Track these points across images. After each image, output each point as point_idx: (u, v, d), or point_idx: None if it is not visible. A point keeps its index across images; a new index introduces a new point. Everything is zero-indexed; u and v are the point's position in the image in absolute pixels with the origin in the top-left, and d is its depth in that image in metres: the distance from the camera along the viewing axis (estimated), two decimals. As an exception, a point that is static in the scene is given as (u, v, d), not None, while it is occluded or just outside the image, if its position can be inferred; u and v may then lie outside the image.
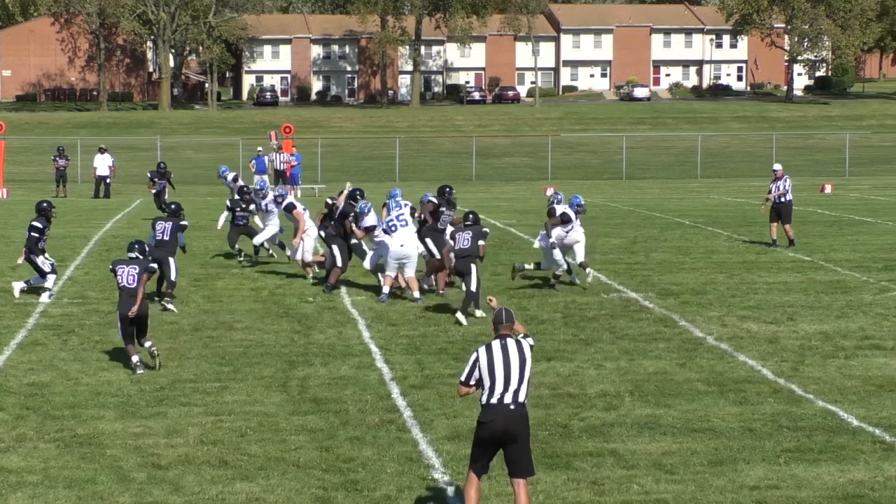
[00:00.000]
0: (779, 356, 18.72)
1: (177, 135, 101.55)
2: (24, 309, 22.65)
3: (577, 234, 24.75)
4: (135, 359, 17.88)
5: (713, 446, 14.04)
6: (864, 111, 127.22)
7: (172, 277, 23.19)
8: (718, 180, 67.92)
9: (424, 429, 14.71)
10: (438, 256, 23.81)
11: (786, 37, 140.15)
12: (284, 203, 26.28)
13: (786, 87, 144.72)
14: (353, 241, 24.74)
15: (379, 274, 24.51)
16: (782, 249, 30.95)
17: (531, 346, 11.37)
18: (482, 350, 11.21)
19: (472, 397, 11.87)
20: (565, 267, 24.81)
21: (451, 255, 22.39)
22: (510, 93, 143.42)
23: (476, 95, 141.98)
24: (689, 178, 70.44)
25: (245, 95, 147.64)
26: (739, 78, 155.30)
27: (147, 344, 18.11)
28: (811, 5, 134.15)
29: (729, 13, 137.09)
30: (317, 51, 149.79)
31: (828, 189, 55.58)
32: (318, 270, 26.06)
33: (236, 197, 29.88)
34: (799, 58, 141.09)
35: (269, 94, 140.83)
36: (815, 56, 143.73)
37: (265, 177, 53.30)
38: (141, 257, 18.51)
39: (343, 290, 24.73)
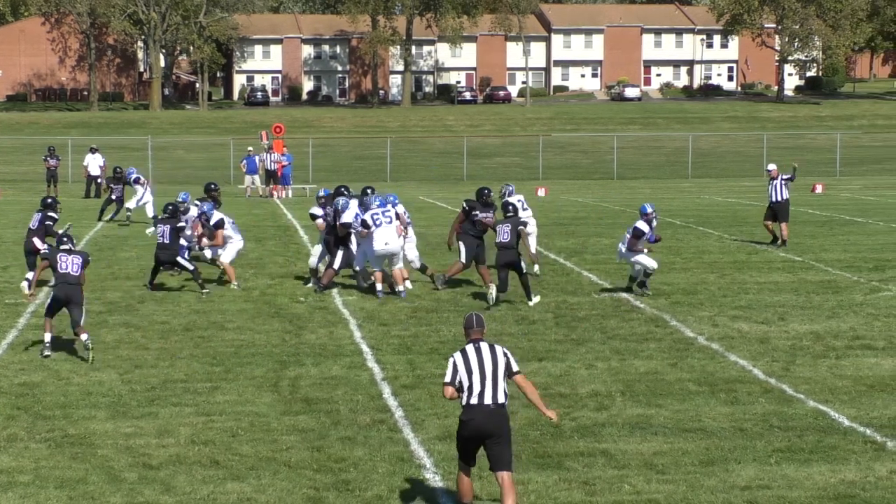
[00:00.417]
0: (770, 356, 18.74)
1: (167, 135, 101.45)
2: (15, 309, 22.62)
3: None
4: (47, 337, 18.86)
5: (704, 446, 14.05)
6: (855, 111, 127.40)
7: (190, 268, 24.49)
8: (709, 180, 68.00)
9: (416, 429, 14.71)
10: (464, 261, 24.42)
11: (776, 37, 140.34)
12: (213, 221, 25.43)
13: (776, 88, 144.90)
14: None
15: (360, 273, 24.70)
16: (773, 249, 30.99)
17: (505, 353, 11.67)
18: (458, 355, 11.62)
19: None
20: (653, 267, 24.11)
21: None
22: (501, 93, 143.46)
23: (467, 95, 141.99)
24: (679, 178, 70.51)
25: (236, 95, 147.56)
26: (730, 78, 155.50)
27: (83, 337, 18.62)
28: (802, 5, 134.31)
29: (720, 13, 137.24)
30: (307, 51, 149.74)
31: (819, 189, 55.66)
32: (234, 285, 25.44)
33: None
34: (790, 58, 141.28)
35: (259, 93, 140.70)
36: (806, 56, 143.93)
37: (255, 177, 53.47)
38: (73, 248, 19.41)
39: (334, 290, 24.73)
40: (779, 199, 31.69)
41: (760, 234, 33.55)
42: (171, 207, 24.91)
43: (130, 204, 39.17)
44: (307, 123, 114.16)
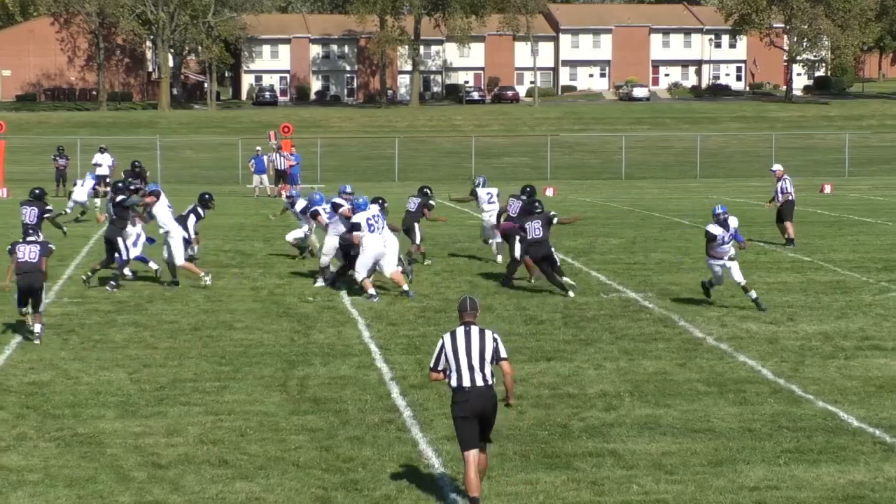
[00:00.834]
0: (779, 356, 18.72)
1: (176, 134, 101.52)
2: (24, 308, 22.64)
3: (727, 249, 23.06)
4: (37, 328, 19.91)
5: (713, 447, 14.04)
6: (864, 111, 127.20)
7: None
8: (717, 180, 67.92)
9: (424, 428, 14.72)
10: (519, 256, 25.09)
11: (785, 37, 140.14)
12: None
13: (785, 87, 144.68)
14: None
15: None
16: (781, 249, 30.97)
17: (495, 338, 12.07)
18: (447, 336, 12.06)
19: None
20: (739, 281, 22.81)
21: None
22: (509, 93, 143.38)
23: (475, 95, 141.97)
24: (688, 178, 70.43)
25: (244, 95, 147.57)
26: (738, 78, 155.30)
27: (36, 327, 19.84)
28: (810, 5, 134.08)
29: (728, 13, 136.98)
30: (316, 50, 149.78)
31: (827, 189, 55.57)
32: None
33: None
34: (798, 58, 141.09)
35: (268, 93, 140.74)
36: (815, 56, 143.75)
37: (264, 176, 53.50)
38: (39, 239, 20.76)
39: (343, 289, 24.73)
40: (792, 198, 31.95)
41: (770, 234, 33.51)
42: (119, 185, 26.45)
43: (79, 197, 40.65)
44: (315, 123, 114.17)
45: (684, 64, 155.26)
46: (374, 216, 23.87)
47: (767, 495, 12.44)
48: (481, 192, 29.35)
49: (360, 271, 23.88)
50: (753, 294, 22.68)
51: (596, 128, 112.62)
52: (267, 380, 17.33)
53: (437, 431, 14.58)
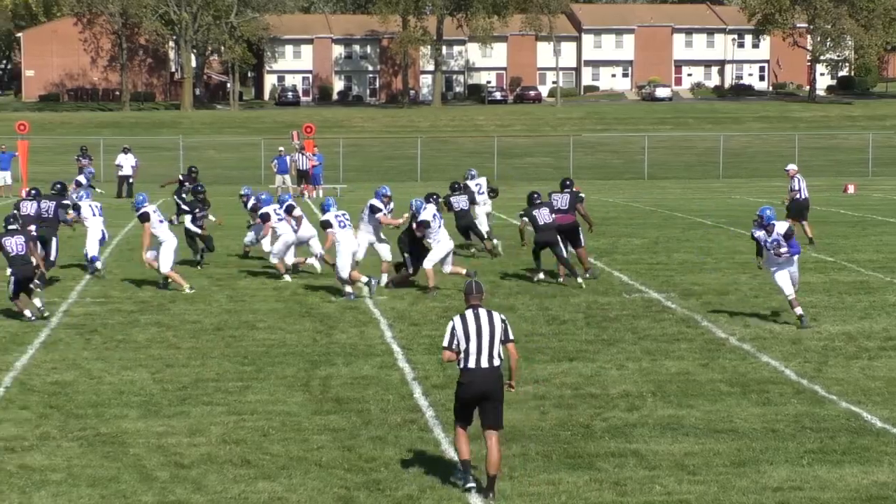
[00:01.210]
0: (802, 357, 18.66)
1: (199, 135, 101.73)
2: (48, 308, 22.69)
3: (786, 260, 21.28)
4: (27, 313, 21.38)
5: (736, 447, 14.01)
6: (888, 111, 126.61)
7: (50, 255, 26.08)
8: (740, 180, 67.74)
9: (447, 429, 14.70)
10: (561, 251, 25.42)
11: (808, 36, 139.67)
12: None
13: (808, 87, 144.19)
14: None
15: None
16: (805, 249, 30.85)
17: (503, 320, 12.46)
18: (457, 318, 12.45)
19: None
20: (788, 294, 21.15)
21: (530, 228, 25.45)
22: (531, 93, 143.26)
23: (497, 95, 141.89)
24: (711, 179, 70.28)
25: (267, 95, 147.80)
26: (761, 78, 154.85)
27: (37, 302, 21.63)
28: (834, 5, 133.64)
29: (751, 13, 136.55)
30: (338, 51, 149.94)
31: (850, 189, 55.38)
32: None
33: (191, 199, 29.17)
34: (821, 57, 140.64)
35: (290, 93, 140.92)
36: (838, 56, 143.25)
37: (286, 176, 53.60)
38: (19, 228, 22.16)
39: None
40: (800, 197, 32.03)
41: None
42: (58, 186, 28.12)
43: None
44: (338, 123, 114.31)
45: (707, 64, 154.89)
46: (342, 213, 23.96)
47: (791, 496, 12.40)
48: (471, 183, 30.52)
49: (343, 269, 23.72)
50: (799, 310, 21.03)
51: (618, 128, 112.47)
52: (289, 380, 17.35)
53: (460, 431, 14.56)
